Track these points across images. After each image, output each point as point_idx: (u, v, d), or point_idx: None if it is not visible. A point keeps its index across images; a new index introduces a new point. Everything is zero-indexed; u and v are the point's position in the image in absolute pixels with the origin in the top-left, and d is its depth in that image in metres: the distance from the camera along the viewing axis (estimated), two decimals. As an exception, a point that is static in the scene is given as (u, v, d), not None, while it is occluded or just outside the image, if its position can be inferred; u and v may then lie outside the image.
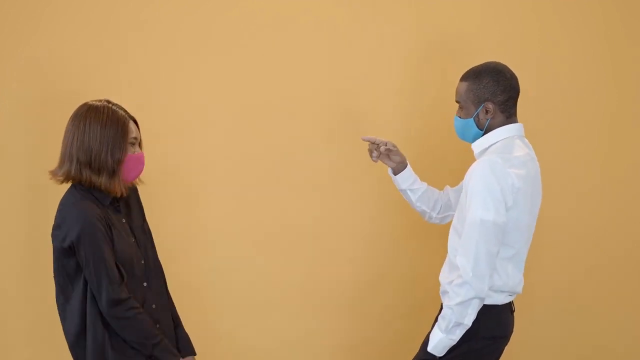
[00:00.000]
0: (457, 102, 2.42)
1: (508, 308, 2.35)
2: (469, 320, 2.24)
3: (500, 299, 2.32)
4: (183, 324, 2.35)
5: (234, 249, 2.90)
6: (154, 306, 2.24)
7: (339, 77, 2.97)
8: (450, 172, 2.89)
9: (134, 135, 2.20)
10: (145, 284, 2.24)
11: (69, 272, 2.15)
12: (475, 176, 2.25)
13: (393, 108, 2.99)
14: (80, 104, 2.21)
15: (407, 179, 2.60)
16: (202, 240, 2.85)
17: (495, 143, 2.35)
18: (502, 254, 2.28)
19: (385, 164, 2.60)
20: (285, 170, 2.93)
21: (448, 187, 2.65)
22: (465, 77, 2.40)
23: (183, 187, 2.84)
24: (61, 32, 2.75)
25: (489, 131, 2.37)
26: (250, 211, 2.91)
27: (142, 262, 2.24)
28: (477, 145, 2.39)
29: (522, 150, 2.32)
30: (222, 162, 2.88)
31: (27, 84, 2.73)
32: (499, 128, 2.36)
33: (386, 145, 2.56)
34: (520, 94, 2.71)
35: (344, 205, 2.98)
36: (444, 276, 2.37)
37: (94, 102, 2.19)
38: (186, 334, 2.36)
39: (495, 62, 2.40)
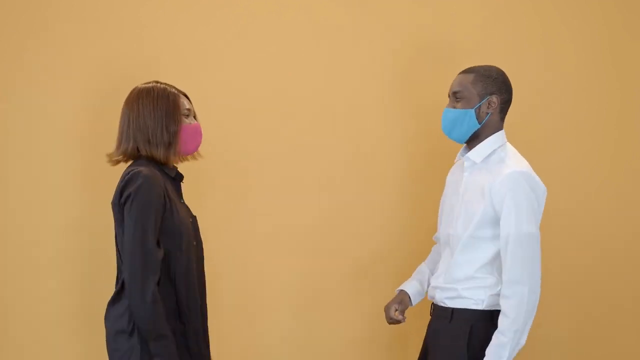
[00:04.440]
0: (454, 93, 2.37)
1: None
2: (524, 340, 2.25)
3: None
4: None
5: (234, 249, 2.90)
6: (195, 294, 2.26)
7: (343, 75, 2.98)
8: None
9: (186, 107, 2.28)
10: (195, 265, 2.27)
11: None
12: (515, 189, 2.24)
13: (399, 107, 2.99)
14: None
15: (419, 296, 2.54)
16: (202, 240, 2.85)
17: (495, 150, 2.34)
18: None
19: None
20: (285, 169, 2.93)
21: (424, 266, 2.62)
22: (471, 70, 2.37)
23: (183, 187, 2.84)
24: (68, 31, 2.76)
25: (484, 129, 2.35)
26: (249, 211, 2.91)
27: (194, 243, 2.29)
28: (478, 155, 2.35)
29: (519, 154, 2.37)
30: (222, 161, 2.88)
31: (36, 83, 2.75)
32: (493, 135, 2.35)
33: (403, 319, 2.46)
34: (524, 94, 2.74)
35: (344, 205, 2.98)
36: (462, 282, 2.33)
37: (143, 85, 2.28)
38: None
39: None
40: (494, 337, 2.23)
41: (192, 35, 2.86)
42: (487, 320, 2.28)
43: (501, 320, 2.22)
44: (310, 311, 2.95)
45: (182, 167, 2.41)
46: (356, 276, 2.99)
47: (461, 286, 2.32)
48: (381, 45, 3.00)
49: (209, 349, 2.34)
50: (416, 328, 2.93)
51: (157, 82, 2.30)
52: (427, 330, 2.47)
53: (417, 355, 2.62)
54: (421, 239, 2.97)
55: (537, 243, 2.25)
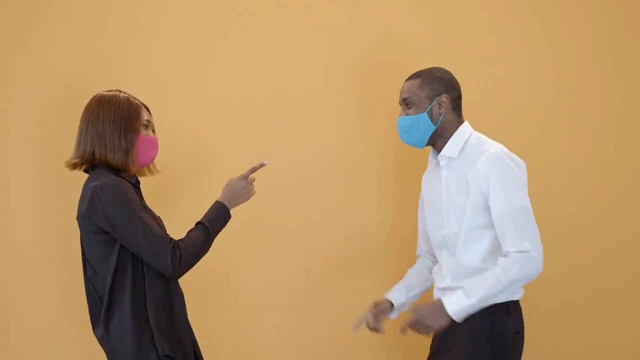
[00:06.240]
0: (404, 100, 2.42)
1: None
2: (502, 297, 2.27)
3: (522, 292, 2.37)
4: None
5: (234, 249, 2.89)
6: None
7: (343, 75, 2.97)
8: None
9: (146, 118, 2.28)
10: None
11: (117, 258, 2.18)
12: (499, 169, 2.27)
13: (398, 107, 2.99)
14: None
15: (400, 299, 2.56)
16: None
17: (467, 140, 2.38)
18: None
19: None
20: (285, 170, 2.93)
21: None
22: (415, 76, 2.43)
23: (180, 188, 2.84)
24: (68, 31, 2.76)
25: (442, 129, 2.39)
26: (249, 211, 2.90)
27: None
28: (452, 151, 2.39)
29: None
30: (223, 162, 2.87)
31: (34, 84, 2.74)
32: (461, 128, 2.40)
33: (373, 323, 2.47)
34: (524, 94, 2.72)
35: (344, 205, 2.97)
36: (460, 275, 2.35)
37: (105, 92, 2.28)
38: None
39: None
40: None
41: (197, 34, 2.86)
42: (504, 314, 2.31)
43: (493, 269, 2.23)
44: (310, 313, 2.95)
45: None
46: (356, 277, 2.99)
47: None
48: (381, 45, 3.00)
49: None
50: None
51: (119, 90, 2.30)
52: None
53: (416, 355, 2.64)
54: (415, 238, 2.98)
55: (532, 215, 2.28)
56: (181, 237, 2.26)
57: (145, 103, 2.35)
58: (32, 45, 2.75)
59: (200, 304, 2.83)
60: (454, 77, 2.45)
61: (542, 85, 3.11)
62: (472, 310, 2.23)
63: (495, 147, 2.34)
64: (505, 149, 2.34)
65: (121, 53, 2.80)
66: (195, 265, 2.26)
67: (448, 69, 2.48)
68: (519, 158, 2.34)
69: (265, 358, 2.92)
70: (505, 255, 2.25)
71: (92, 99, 2.28)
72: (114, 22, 2.80)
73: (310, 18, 2.95)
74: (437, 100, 2.39)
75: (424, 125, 2.39)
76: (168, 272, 2.17)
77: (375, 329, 2.49)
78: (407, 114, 2.42)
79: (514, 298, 2.33)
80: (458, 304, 2.22)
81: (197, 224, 2.30)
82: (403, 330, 2.30)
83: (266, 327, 2.92)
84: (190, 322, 2.37)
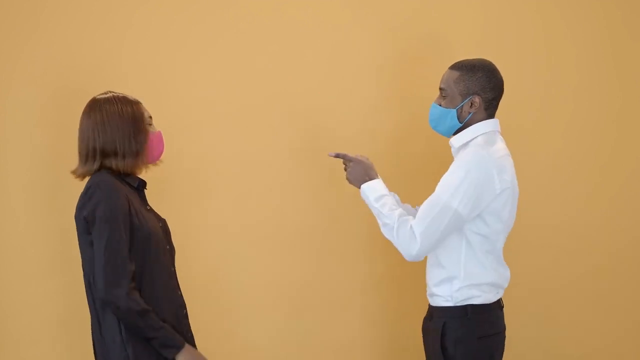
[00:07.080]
0: (440, 89, 2.39)
1: (498, 305, 2.36)
2: (388, 235, 2.31)
3: (490, 297, 2.32)
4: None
5: (234, 249, 2.89)
6: (179, 292, 2.30)
7: (341, 75, 2.97)
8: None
9: (148, 114, 2.28)
10: (172, 268, 2.29)
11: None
12: (462, 162, 2.25)
13: (399, 108, 2.99)
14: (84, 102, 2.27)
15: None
16: (202, 241, 2.84)
17: (475, 137, 2.35)
18: (484, 247, 2.29)
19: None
20: (287, 171, 2.93)
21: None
22: (457, 67, 2.37)
23: (181, 188, 2.84)
24: (63, 32, 2.76)
25: (467, 126, 2.36)
26: (249, 211, 2.90)
27: (167, 247, 2.28)
28: (457, 140, 2.38)
29: (501, 145, 2.33)
30: (224, 162, 2.87)
31: (32, 84, 2.73)
32: (479, 122, 2.35)
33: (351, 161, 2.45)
34: (524, 94, 2.72)
35: (344, 206, 2.97)
36: (431, 276, 2.37)
37: (101, 96, 2.25)
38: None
39: (488, 60, 2.39)
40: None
41: (193, 36, 2.86)
42: (461, 317, 2.28)
43: (405, 214, 2.29)
44: (310, 313, 2.95)
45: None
46: (355, 278, 2.99)
47: (432, 282, 2.34)
48: (382, 45, 2.99)
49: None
50: (417, 329, 2.93)
51: (112, 92, 2.27)
52: None
53: (414, 357, 2.64)
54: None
55: (446, 218, 2.22)
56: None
57: (146, 103, 2.34)
58: (31, 45, 2.74)
59: (201, 304, 2.83)
60: (497, 76, 2.37)
61: (542, 85, 3.12)
62: (370, 203, 2.36)
63: (484, 149, 2.27)
64: (490, 157, 2.25)
65: (122, 53, 2.79)
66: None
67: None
68: (496, 173, 2.25)
69: (266, 358, 2.92)
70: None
71: (89, 107, 2.24)
72: (114, 22, 2.79)
73: (315, 15, 2.94)
74: (470, 99, 2.35)
75: (451, 121, 2.37)
76: (100, 285, 2.09)
77: (345, 166, 2.50)
78: (440, 104, 2.39)
79: (474, 302, 2.29)
80: (370, 190, 2.36)
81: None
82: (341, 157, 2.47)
83: (267, 327, 2.91)
84: (189, 322, 2.36)
